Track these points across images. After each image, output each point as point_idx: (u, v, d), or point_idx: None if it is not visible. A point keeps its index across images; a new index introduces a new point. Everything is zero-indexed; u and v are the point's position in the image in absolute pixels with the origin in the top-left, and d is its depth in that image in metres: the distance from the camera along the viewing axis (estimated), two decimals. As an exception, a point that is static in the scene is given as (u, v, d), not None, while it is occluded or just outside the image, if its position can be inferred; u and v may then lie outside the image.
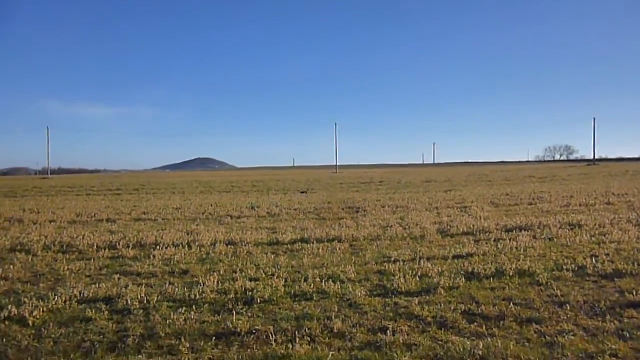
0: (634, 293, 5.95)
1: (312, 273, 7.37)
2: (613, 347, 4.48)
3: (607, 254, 8.21)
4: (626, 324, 5.06)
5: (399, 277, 6.96)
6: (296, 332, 5.00)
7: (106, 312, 5.79)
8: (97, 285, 6.89)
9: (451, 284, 6.62)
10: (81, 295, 6.44)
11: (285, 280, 7.07)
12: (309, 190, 31.88)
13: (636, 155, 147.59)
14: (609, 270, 7.14)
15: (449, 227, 11.94)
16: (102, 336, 5.07)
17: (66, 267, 8.25)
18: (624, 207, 15.76)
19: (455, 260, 8.17)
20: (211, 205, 20.16)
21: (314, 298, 6.23)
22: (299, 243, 10.32)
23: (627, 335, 4.77)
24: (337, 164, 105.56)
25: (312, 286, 6.65)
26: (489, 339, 4.69)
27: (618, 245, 9.07)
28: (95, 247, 10.11)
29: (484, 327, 5.06)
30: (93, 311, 5.77)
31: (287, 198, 24.17)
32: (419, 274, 7.21)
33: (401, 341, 4.72)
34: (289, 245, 10.22)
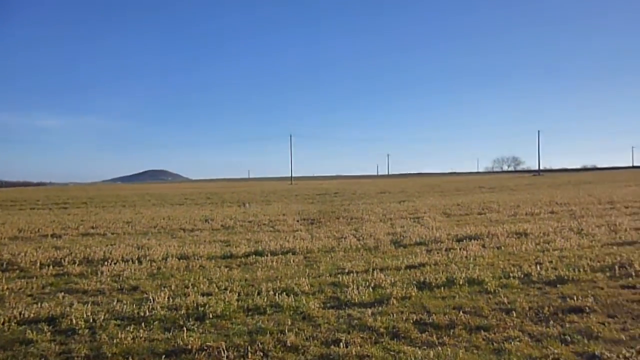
0: (575, 298, 6.22)
1: (266, 286, 7.30)
2: (556, 351, 4.66)
3: (551, 262, 8.55)
4: (568, 329, 5.27)
5: (353, 288, 7.00)
6: (249, 347, 4.93)
7: (49, 333, 5.52)
8: (39, 304, 6.57)
9: (404, 294, 6.71)
10: (22, 315, 6.12)
11: (239, 295, 6.98)
12: (265, 202, 31.69)
13: (578, 167, 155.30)
14: (553, 277, 7.43)
15: (402, 237, 12.14)
16: (44, 359, 4.83)
17: (6, 287, 7.82)
18: (567, 215, 16.51)
19: (408, 271, 8.31)
20: (163, 218, 19.70)
21: (268, 312, 6.17)
22: (253, 256, 10.22)
23: (569, 339, 4.97)
24: (293, 175, 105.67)
25: (265, 300, 6.59)
26: (440, 348, 4.78)
27: (561, 252, 9.47)
28: (38, 264, 9.66)
29: (435, 336, 5.15)
30: (34, 332, 5.49)
31: (241, 210, 23.93)
32: (372, 285, 7.27)
33: (354, 353, 4.73)
34: (243, 258, 10.10)
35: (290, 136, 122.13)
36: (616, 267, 7.82)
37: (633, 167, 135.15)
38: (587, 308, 5.91)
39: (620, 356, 4.45)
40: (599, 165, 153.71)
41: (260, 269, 8.83)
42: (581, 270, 7.73)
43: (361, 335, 5.22)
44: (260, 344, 5.02)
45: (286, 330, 5.38)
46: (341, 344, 4.96)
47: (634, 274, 7.40)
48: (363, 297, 6.63)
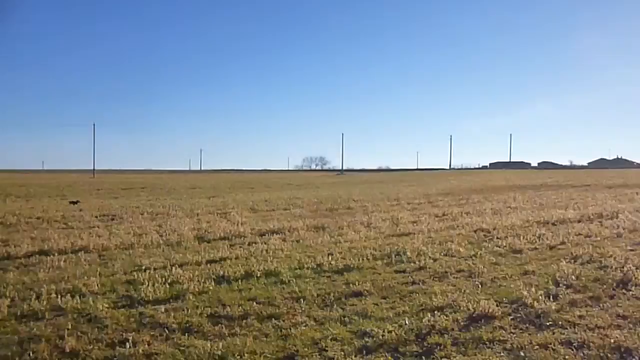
0: (357, 284, 6.91)
1: (47, 289, 6.57)
2: (335, 332, 5.12)
3: (341, 252, 9.35)
4: (348, 311, 5.83)
5: (148, 285, 6.72)
6: (17, 359, 4.39)
7: None
8: None
9: (201, 289, 6.68)
10: None
11: (12, 300, 6.18)
12: (60, 196, 28.46)
13: (375, 167, 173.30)
14: (341, 266, 8.13)
15: (207, 232, 12.07)
16: None
17: None
18: (360, 211, 18.26)
19: (209, 265, 8.29)
20: None
21: (47, 317, 5.58)
22: (37, 256, 9.14)
23: (347, 320, 5.51)
24: (97, 168, 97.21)
25: (45, 303, 5.94)
26: (230, 339, 4.89)
27: (351, 244, 10.44)
28: None
29: (226, 327, 5.24)
30: None
31: (28, 205, 21.12)
32: (169, 281, 7.08)
33: (141, 352, 4.57)
34: (23, 259, 8.97)
35: (94, 124, 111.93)
36: (393, 255, 8.91)
37: (418, 169, 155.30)
38: (365, 292, 6.60)
39: (386, 331, 5.09)
40: (391, 167, 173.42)
41: (42, 270, 7.91)
42: (365, 259, 8.61)
43: (151, 333, 5.06)
44: (33, 352, 4.52)
45: (66, 335, 4.93)
46: (128, 343, 4.73)
47: (405, 260, 8.51)
48: (158, 294, 6.41)
